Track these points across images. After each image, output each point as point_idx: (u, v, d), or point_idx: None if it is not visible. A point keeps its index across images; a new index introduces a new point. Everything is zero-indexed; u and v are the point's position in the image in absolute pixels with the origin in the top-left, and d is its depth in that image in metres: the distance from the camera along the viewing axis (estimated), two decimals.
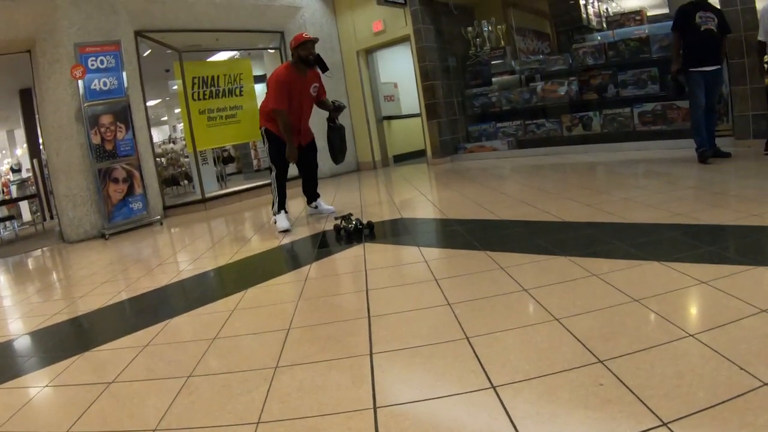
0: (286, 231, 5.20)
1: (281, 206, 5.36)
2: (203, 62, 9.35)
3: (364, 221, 4.58)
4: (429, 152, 9.72)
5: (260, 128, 5.48)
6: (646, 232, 3.37)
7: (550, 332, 2.11)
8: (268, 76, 10.66)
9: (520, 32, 10.27)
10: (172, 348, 2.62)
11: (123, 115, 7.45)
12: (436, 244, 4.06)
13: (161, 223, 7.58)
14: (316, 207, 5.85)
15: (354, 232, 4.49)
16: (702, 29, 6.08)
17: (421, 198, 6.22)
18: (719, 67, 6.29)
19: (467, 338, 2.16)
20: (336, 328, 2.53)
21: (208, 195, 8.77)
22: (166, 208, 8.30)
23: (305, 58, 5.20)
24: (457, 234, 4.11)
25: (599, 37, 9.07)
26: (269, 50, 10.06)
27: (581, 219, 3.95)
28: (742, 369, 1.63)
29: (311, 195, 5.86)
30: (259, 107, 5.85)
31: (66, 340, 3.13)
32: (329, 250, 4.27)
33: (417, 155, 11.47)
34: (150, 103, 12.47)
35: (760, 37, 6.08)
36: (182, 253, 5.31)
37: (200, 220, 7.51)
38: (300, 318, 2.74)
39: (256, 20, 9.34)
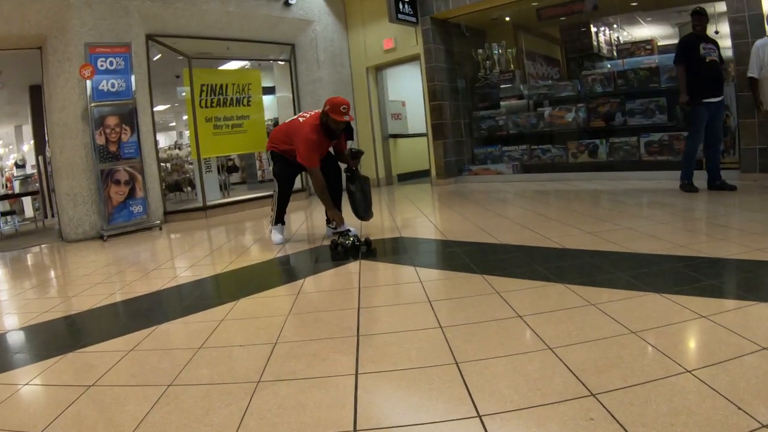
0: (280, 244, 5.16)
1: (278, 219, 5.28)
2: (212, 70, 9.35)
3: (362, 238, 4.54)
4: (433, 172, 9.69)
5: (267, 151, 5.42)
6: (647, 263, 3.31)
7: (543, 361, 2.04)
8: (277, 88, 10.77)
9: (530, 57, 10.28)
10: (156, 354, 2.56)
11: (129, 118, 7.44)
12: (434, 265, 4.00)
13: (161, 228, 7.54)
14: (335, 228, 5.46)
15: (351, 249, 4.44)
16: (707, 60, 6.10)
17: (422, 218, 6.17)
18: (723, 98, 6.32)
19: (456, 363, 2.10)
20: (323, 344, 2.47)
21: (209, 203, 8.73)
22: (166, 213, 8.26)
23: (331, 131, 4.93)
24: (456, 256, 4.05)
25: (609, 65, 9.05)
26: (279, 62, 10.06)
27: (582, 247, 3.87)
28: (740, 409, 1.56)
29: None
30: (270, 131, 5.75)
31: (53, 338, 3.08)
32: (325, 265, 4.19)
33: (421, 175, 11.43)
34: (158, 108, 12.52)
35: (752, 73, 6.08)
36: (179, 259, 5.25)
37: (200, 227, 7.46)
38: (288, 332, 2.68)
39: (268, 31, 9.35)
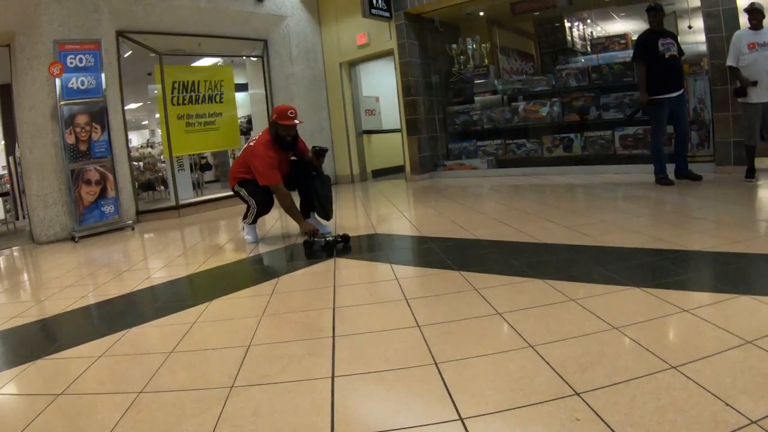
0: (253, 243, 5.08)
1: (254, 220, 5.14)
2: (184, 67, 9.17)
3: (337, 235, 4.47)
4: (408, 168, 9.63)
5: (232, 187, 5.12)
6: (625, 257, 3.29)
7: (524, 360, 1.99)
8: (250, 84, 10.61)
9: (504, 52, 10.28)
10: (127, 360, 2.47)
11: (99, 116, 7.26)
12: (410, 261, 3.93)
13: (133, 228, 7.38)
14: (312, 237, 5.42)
15: (326, 246, 4.37)
16: (666, 57, 6.14)
17: (397, 214, 6.11)
18: (683, 91, 6.39)
19: (435, 364, 2.04)
20: (298, 347, 2.39)
21: (182, 202, 8.57)
22: (139, 213, 8.09)
23: (282, 140, 4.80)
24: (432, 252, 3.99)
25: (583, 60, 9.07)
26: (252, 58, 9.92)
27: (559, 241, 3.84)
28: (728, 405, 1.53)
29: (304, 211, 5.32)
30: (243, 129, 5.56)
31: (21, 345, 2.94)
32: (299, 263, 4.10)
33: (396, 171, 11.38)
34: (130, 107, 12.30)
35: (730, 63, 6.08)
36: (151, 259, 5.13)
37: (173, 227, 7.32)
38: (262, 334, 2.59)
39: (240, 27, 9.21)
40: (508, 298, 2.73)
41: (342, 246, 4.38)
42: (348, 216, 6.21)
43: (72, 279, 4.43)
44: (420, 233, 4.76)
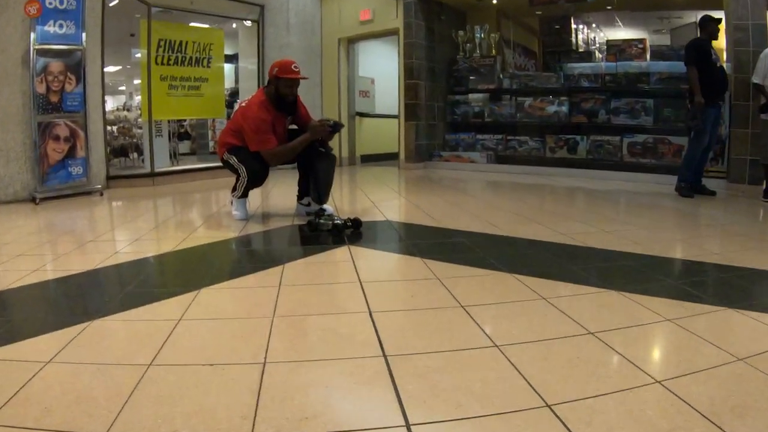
0: (242, 220, 4.28)
1: (245, 193, 4.33)
2: (173, 24, 8.21)
3: (346, 218, 3.72)
4: (402, 155, 8.87)
5: (221, 156, 4.31)
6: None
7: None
8: (241, 55, 9.70)
9: (509, 45, 9.59)
10: (84, 373, 1.65)
11: (75, 66, 6.31)
12: (445, 257, 3.09)
13: (101, 194, 6.46)
14: (308, 204, 4.46)
15: (332, 230, 3.62)
16: (718, 65, 5.88)
17: (404, 201, 5.39)
18: (723, 104, 6.19)
19: (549, 406, 1.32)
20: (339, 369, 1.64)
21: (158, 170, 7.68)
22: (109, 178, 7.15)
23: (283, 98, 4.07)
24: (466, 248, 3.28)
25: (598, 60, 8.45)
26: (246, 22, 8.98)
27: (606, 246, 3.22)
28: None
29: (302, 188, 4.58)
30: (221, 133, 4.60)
31: None
32: (305, 249, 3.35)
33: (385, 158, 10.63)
34: (109, 69, 11.26)
35: (756, 80, 5.80)
36: (121, 230, 4.27)
37: (146, 195, 6.44)
38: (279, 345, 1.83)
39: None
40: (590, 312, 2.10)
41: (351, 232, 3.63)
42: (348, 199, 5.45)
43: (26, 246, 3.54)
44: (440, 224, 4.01)
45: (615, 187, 6.68)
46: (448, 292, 2.37)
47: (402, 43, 8.53)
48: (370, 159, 10.43)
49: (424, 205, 4.87)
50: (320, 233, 3.63)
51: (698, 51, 5.84)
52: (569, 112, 8.11)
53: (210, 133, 12.55)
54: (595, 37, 11.24)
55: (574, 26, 10.21)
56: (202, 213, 5.00)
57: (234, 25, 9.37)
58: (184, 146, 12.46)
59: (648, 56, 7.95)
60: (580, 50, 9.92)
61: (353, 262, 2.93)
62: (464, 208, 4.73)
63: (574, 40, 10.18)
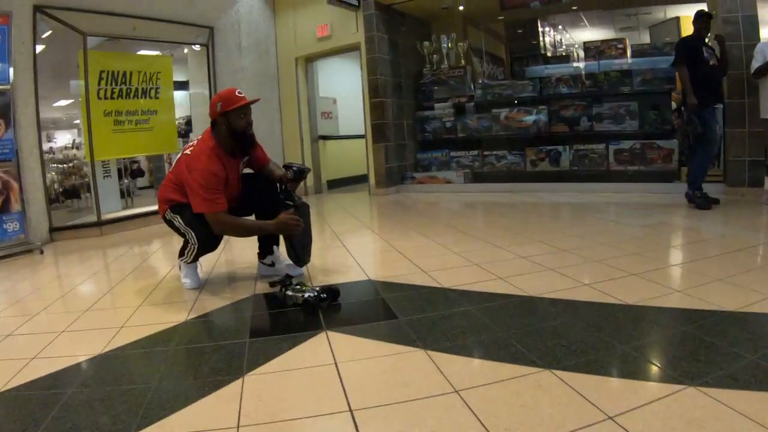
0: (194, 289, 3.41)
1: (195, 258, 3.43)
2: (114, 53, 7.26)
3: (317, 288, 2.87)
4: (372, 180, 8.03)
5: (162, 215, 3.42)
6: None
7: None
8: (191, 81, 8.74)
9: (477, 53, 8.87)
10: None
11: (3, 109, 5.39)
12: (455, 345, 2.25)
13: (42, 251, 5.47)
14: (272, 264, 3.61)
15: (304, 305, 2.77)
16: (710, 63, 5.30)
17: (384, 245, 4.53)
18: (721, 106, 5.58)
19: None
20: None
21: (105, 217, 6.72)
22: (53, 230, 6.17)
23: (240, 134, 3.19)
24: (480, 324, 2.43)
25: (576, 64, 7.78)
26: (195, 47, 8.05)
27: (665, 304, 2.40)
28: None
29: (264, 245, 3.65)
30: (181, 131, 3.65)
31: None
32: (271, 343, 2.45)
33: (353, 181, 9.82)
34: (61, 103, 10.22)
35: (757, 63, 5.20)
36: (41, 319, 3.21)
37: (91, 249, 5.46)
38: None
39: (183, 11, 7.40)
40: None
41: (327, 304, 2.80)
42: (318, 246, 4.60)
43: None
44: (436, 281, 3.17)
45: (608, 200, 5.99)
46: (477, 421, 1.56)
47: (365, 59, 7.72)
48: (337, 184, 9.59)
49: (409, 251, 4.04)
50: (289, 308, 2.80)
51: (688, 49, 5.29)
52: (549, 121, 7.40)
53: (167, 166, 11.55)
54: (561, 39, 10.67)
55: (540, 29, 9.61)
56: (147, 278, 4.01)
57: (185, 50, 8.45)
58: (143, 181, 11.46)
59: (629, 55, 7.32)
60: (558, 53, 9.31)
61: (336, 365, 2.07)
62: (456, 251, 3.92)
63: (542, 43, 9.57)
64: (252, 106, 3.27)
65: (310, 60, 8.68)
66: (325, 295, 2.80)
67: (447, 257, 3.75)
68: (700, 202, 5.20)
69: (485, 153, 7.83)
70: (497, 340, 2.19)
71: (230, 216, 3.18)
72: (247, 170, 3.51)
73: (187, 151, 3.23)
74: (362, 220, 5.98)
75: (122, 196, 7.96)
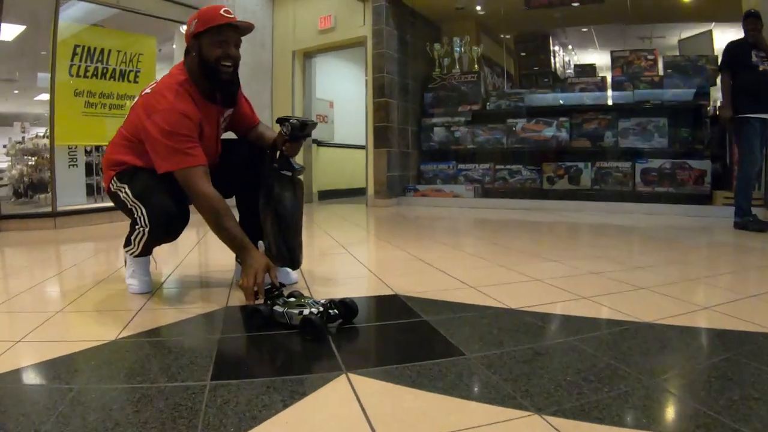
0: (142, 294, 2.28)
1: (146, 249, 2.28)
2: (93, 27, 6.19)
3: (327, 303, 1.77)
4: (371, 190, 6.98)
5: (107, 187, 2.30)
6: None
7: None
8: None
9: (488, 63, 7.95)
10: None
11: None
12: (581, 401, 1.24)
13: None
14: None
15: (305, 326, 1.65)
16: (760, 69, 4.50)
17: (403, 254, 3.44)
18: None
19: None
20: None
21: (62, 208, 5.58)
22: (1, 217, 5.09)
23: (211, 69, 2.09)
24: (570, 352, 1.41)
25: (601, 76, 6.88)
26: (182, 27, 6.95)
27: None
28: None
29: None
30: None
31: None
32: (243, 389, 1.31)
33: (347, 194, 8.78)
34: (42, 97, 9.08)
35: None
36: None
37: (38, 243, 4.31)
38: None
39: None
40: None
41: (336, 325, 1.75)
42: (317, 253, 3.54)
43: None
44: (495, 299, 2.09)
45: (642, 223, 5.01)
46: None
47: (371, 54, 6.72)
48: (329, 195, 8.53)
49: (438, 261, 2.99)
50: (279, 331, 1.73)
51: (731, 54, 4.60)
52: (569, 136, 6.46)
53: None
54: (569, 60, 9.86)
55: (552, 47, 8.76)
56: (86, 278, 2.90)
57: (174, 45, 7.37)
58: None
59: (660, 68, 6.44)
60: (557, 73, 8.43)
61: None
62: (501, 264, 2.89)
63: (552, 61, 8.71)
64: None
65: (308, 55, 7.66)
66: (335, 311, 1.73)
67: (491, 270, 2.71)
68: (747, 221, 4.41)
69: (497, 167, 6.85)
70: (648, 392, 1.16)
71: (211, 187, 2.07)
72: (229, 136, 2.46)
73: (147, 90, 2.15)
74: (366, 229, 4.92)
75: (90, 193, 6.78)
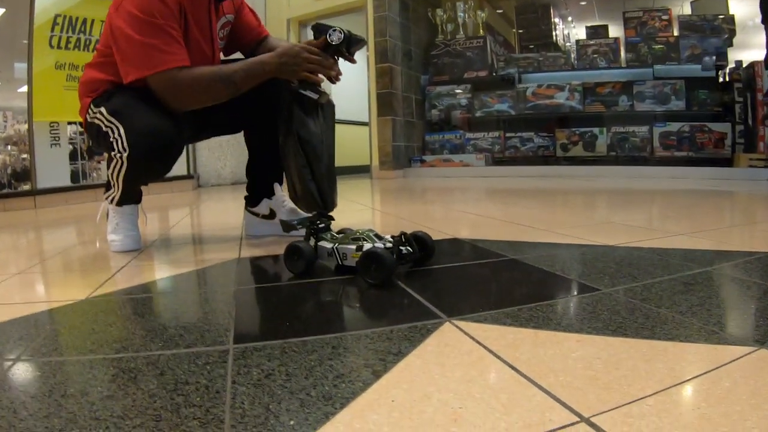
0: (129, 252, 1.81)
1: (124, 195, 1.81)
2: None
3: (398, 236, 1.34)
4: (375, 161, 6.53)
5: (84, 118, 1.83)
6: None
7: None
8: None
9: (490, 32, 7.51)
10: None
11: None
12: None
13: None
14: (271, 215, 2.06)
15: (365, 265, 1.22)
16: None
17: (438, 207, 3.03)
18: None
19: None
20: None
21: (42, 186, 5.09)
22: None
23: None
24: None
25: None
26: None
27: None
28: None
29: (257, 179, 2.11)
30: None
31: None
32: (319, 345, 0.95)
33: (346, 171, 8.34)
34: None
35: None
36: None
37: (16, 225, 3.87)
38: None
39: None
40: None
41: (411, 263, 1.34)
42: (344, 210, 3.13)
43: None
44: (585, 239, 1.67)
45: (647, 187, 4.63)
46: None
47: (372, 18, 6.24)
48: None
49: (489, 211, 2.58)
50: (326, 278, 1.32)
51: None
52: (583, 100, 6.06)
53: None
54: (569, 34, 9.47)
55: (553, 19, 8.34)
56: (61, 240, 2.46)
57: None
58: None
59: (675, 29, 6.05)
60: (558, 44, 8.02)
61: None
62: (561, 213, 2.49)
63: (554, 33, 8.30)
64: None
65: (304, 24, 7.16)
66: (409, 249, 1.32)
67: (553, 215, 2.30)
68: None
69: (507, 135, 6.43)
70: None
71: (192, 69, 1.63)
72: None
73: None
74: (384, 194, 4.48)
75: (75, 179, 6.21)
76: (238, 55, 2.05)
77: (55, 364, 0.80)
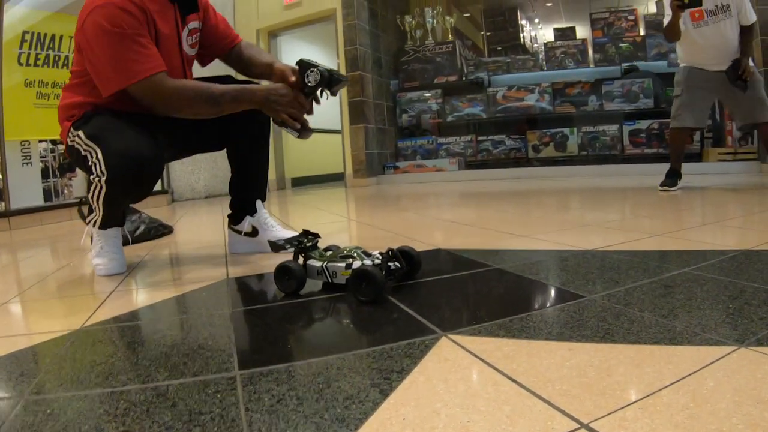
0: (114, 276, 1.82)
1: (107, 218, 1.83)
2: (42, 12, 5.61)
3: (386, 252, 1.38)
4: (349, 169, 6.57)
5: (65, 141, 1.80)
6: None
7: None
8: None
9: (459, 36, 7.62)
10: None
11: None
12: None
13: None
14: (254, 233, 2.08)
15: (356, 283, 1.25)
16: None
17: (417, 216, 3.09)
18: None
19: None
20: None
21: (17, 207, 5.03)
22: None
23: None
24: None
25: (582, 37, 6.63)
26: None
27: None
28: None
29: (240, 198, 2.13)
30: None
31: None
32: (323, 367, 1.03)
33: (321, 180, 8.37)
34: None
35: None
36: None
37: None
38: None
39: None
40: None
41: (397, 277, 1.37)
42: (314, 220, 3.15)
43: None
44: (565, 245, 1.74)
45: (614, 185, 4.77)
46: None
47: (342, 26, 6.29)
48: (302, 182, 8.09)
49: (466, 218, 2.64)
50: (319, 295, 1.35)
51: None
52: (553, 101, 6.19)
53: None
54: (536, 35, 9.64)
55: (521, 21, 8.49)
56: (44, 266, 2.45)
57: None
58: (79, 182, 9.46)
59: (641, 30, 6.22)
60: (527, 46, 8.17)
61: None
62: (537, 216, 2.56)
63: (521, 35, 8.45)
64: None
65: (274, 34, 7.18)
66: (397, 265, 1.36)
67: (528, 220, 2.37)
68: None
69: (479, 138, 6.53)
70: None
71: (174, 79, 1.69)
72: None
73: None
74: (360, 203, 4.52)
75: (47, 197, 6.13)
76: (217, 62, 2.08)
77: (64, 400, 0.82)
